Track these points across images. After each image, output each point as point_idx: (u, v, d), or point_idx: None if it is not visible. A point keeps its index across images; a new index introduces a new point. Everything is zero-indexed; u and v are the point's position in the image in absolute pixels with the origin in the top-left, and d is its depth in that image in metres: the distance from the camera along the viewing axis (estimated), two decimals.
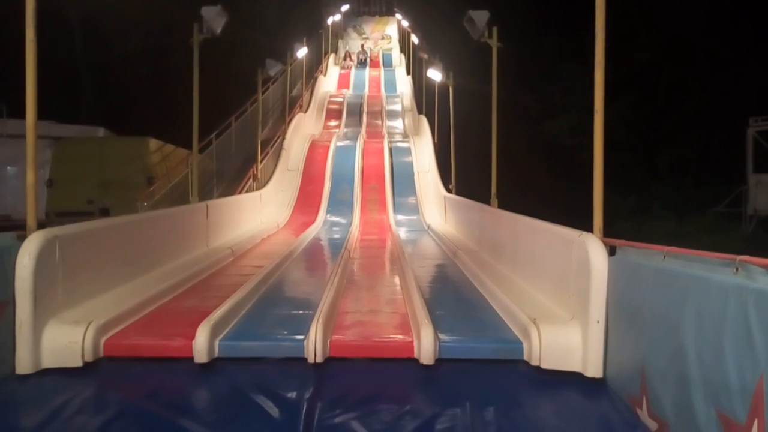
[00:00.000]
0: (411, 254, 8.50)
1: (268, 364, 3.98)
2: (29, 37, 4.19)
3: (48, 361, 3.88)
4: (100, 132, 15.81)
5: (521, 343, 4.05)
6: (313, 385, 3.76)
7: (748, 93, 22.94)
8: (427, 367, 3.90)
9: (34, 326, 3.84)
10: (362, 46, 27.44)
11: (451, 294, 5.98)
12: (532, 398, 3.73)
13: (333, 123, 19.13)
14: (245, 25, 23.22)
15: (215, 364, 3.95)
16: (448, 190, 12.73)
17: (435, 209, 13.02)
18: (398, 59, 27.04)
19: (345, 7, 30.48)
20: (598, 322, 3.80)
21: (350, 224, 11.88)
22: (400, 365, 3.97)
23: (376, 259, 8.63)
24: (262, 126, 14.73)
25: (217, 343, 4.01)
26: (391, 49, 29.10)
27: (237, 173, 14.06)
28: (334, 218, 12.54)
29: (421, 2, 28.17)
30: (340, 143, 16.08)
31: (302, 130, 16.88)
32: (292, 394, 3.68)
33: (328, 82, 23.04)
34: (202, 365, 3.89)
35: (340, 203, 13.25)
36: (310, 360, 3.91)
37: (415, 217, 12.83)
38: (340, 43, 29.20)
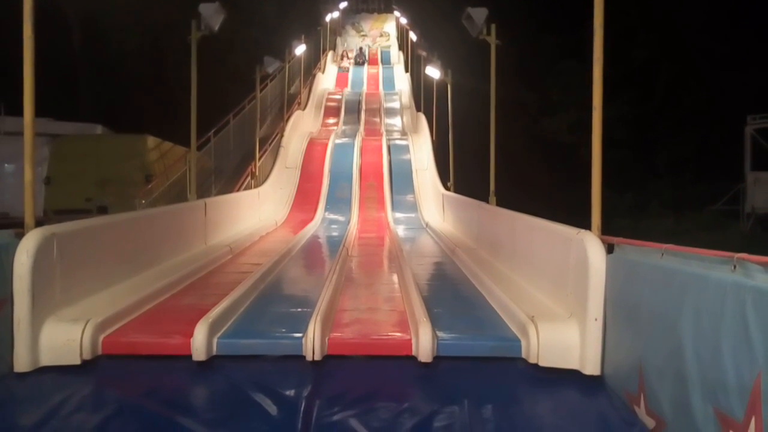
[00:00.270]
0: (409, 252, 8.51)
1: (267, 361, 3.98)
2: (27, 34, 4.18)
3: (46, 359, 3.88)
4: (98, 129, 15.77)
5: (519, 341, 4.06)
6: (312, 382, 3.76)
7: (746, 91, 22.96)
8: (425, 364, 3.90)
9: (32, 324, 3.84)
10: (360, 49, 27.32)
11: (449, 292, 5.99)
12: (530, 396, 3.74)
13: (331, 120, 19.12)
14: (243, 23, 23.17)
15: (213, 361, 3.96)
16: (447, 188, 12.74)
17: (433, 207, 13.02)
18: (397, 56, 27.02)
19: (343, 4, 30.44)
20: (596, 319, 3.81)
21: (348, 222, 11.88)
22: (399, 363, 3.98)
23: (375, 257, 8.63)
24: (261, 123, 14.72)
25: (215, 340, 4.01)
26: (389, 47, 29.08)
27: (235, 171, 14.06)
28: (333, 216, 12.54)
29: None
30: (338, 141, 16.07)
31: (300, 127, 16.87)
32: (291, 392, 3.68)
33: (326, 80, 23.04)
34: (200, 363, 3.89)
35: (339, 201, 13.25)
36: (309, 358, 3.92)
37: (413, 215, 12.83)
38: (339, 40, 29.17)
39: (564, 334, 3.93)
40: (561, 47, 27.20)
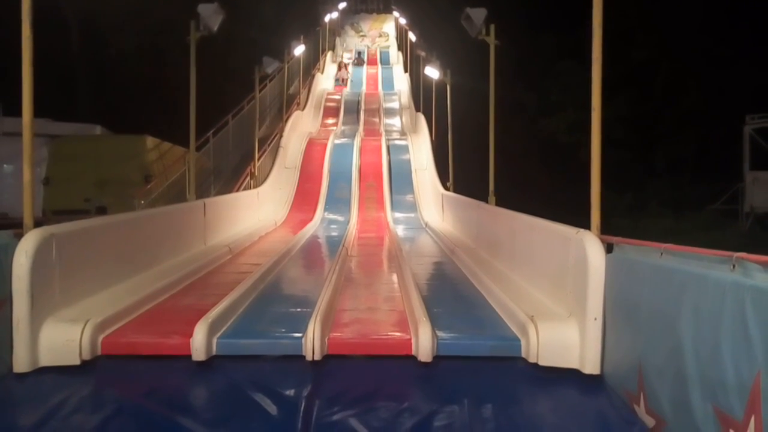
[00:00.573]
0: (409, 252, 8.51)
1: (266, 361, 3.98)
2: (25, 35, 4.18)
3: (45, 360, 3.88)
4: (97, 130, 15.74)
5: (519, 341, 4.06)
6: (311, 382, 3.76)
7: (745, 91, 22.98)
8: (425, 364, 3.90)
9: (32, 324, 3.84)
10: (359, 54, 27.26)
11: (449, 291, 5.99)
12: (529, 395, 3.74)
13: (330, 121, 19.12)
14: (242, 23, 23.16)
15: (213, 361, 3.95)
16: (446, 188, 12.74)
17: (432, 207, 13.03)
18: (396, 57, 27.02)
19: (342, 5, 30.44)
20: (595, 319, 3.81)
21: (348, 222, 11.88)
22: (398, 363, 3.98)
23: (374, 257, 8.63)
24: (260, 124, 14.71)
25: (215, 340, 4.01)
26: (388, 47, 29.09)
27: (234, 171, 14.06)
28: (332, 216, 12.54)
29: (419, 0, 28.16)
30: (337, 141, 16.07)
31: (300, 127, 16.87)
32: (290, 392, 3.68)
33: (325, 80, 23.03)
34: (200, 363, 3.89)
35: (338, 201, 13.25)
36: (308, 357, 3.92)
37: (412, 215, 12.83)
38: (338, 40, 29.16)
39: (563, 334, 3.93)
40: (560, 47, 27.21)
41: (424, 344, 3.90)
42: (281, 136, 15.27)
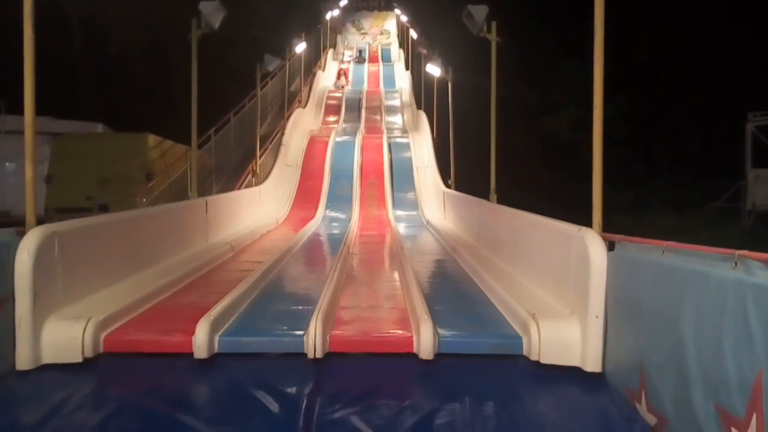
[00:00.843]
0: (410, 250, 8.51)
1: (268, 359, 3.98)
2: (27, 33, 4.18)
3: (48, 357, 3.89)
4: (99, 128, 15.78)
5: (520, 338, 4.06)
6: (313, 380, 3.76)
7: (747, 88, 22.93)
8: (426, 362, 3.90)
9: (34, 322, 3.85)
10: (360, 52, 27.20)
11: (451, 289, 5.99)
12: (531, 393, 3.74)
13: (332, 118, 19.12)
14: (244, 21, 23.14)
15: (215, 359, 3.96)
16: (447, 186, 12.73)
17: (434, 205, 13.02)
18: (397, 54, 27.00)
19: (343, 2, 30.42)
20: (597, 317, 3.81)
21: (349, 220, 11.88)
22: (400, 360, 3.98)
23: (376, 255, 8.63)
24: (261, 121, 14.72)
25: (216, 338, 4.02)
26: (389, 44, 29.07)
27: (236, 169, 14.06)
28: (334, 214, 12.54)
29: None
30: (339, 139, 16.06)
31: (301, 125, 16.86)
32: (292, 390, 3.69)
33: (326, 78, 23.02)
34: (201, 361, 3.90)
35: (339, 199, 13.25)
36: (310, 355, 3.92)
37: (414, 213, 12.83)
38: (339, 38, 29.14)
39: (565, 332, 3.93)
40: (562, 45, 27.16)
41: (425, 342, 3.90)
42: (283, 134, 15.27)
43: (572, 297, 4.14)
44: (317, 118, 18.90)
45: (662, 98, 27.04)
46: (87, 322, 3.93)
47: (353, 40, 29.49)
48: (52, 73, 15.47)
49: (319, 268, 7.72)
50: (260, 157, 13.64)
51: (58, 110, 15.21)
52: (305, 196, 13.36)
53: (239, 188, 12.45)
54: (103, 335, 4.01)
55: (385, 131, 16.97)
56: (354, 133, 16.56)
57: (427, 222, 11.69)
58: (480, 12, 8.65)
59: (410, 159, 15.06)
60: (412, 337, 4.07)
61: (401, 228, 11.13)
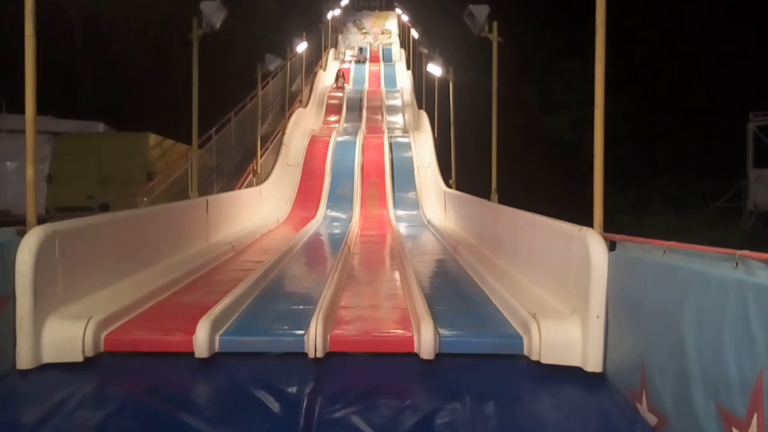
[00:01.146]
0: (411, 249, 8.50)
1: (269, 359, 3.98)
2: (28, 32, 4.18)
3: (48, 356, 3.89)
4: (100, 127, 15.79)
5: (521, 338, 4.05)
6: (314, 380, 3.76)
7: (749, 88, 22.92)
8: (427, 361, 3.90)
9: (35, 321, 3.85)
10: (361, 50, 27.17)
11: (451, 289, 5.99)
12: (532, 393, 3.74)
13: (333, 118, 19.11)
14: (245, 20, 23.16)
15: (215, 359, 3.96)
16: (448, 185, 12.73)
17: (435, 204, 13.02)
18: (398, 54, 27.00)
19: (345, 2, 30.42)
20: (598, 316, 3.81)
21: (350, 219, 11.88)
22: (401, 360, 3.98)
23: (376, 255, 8.63)
24: (262, 121, 14.72)
25: (217, 338, 4.02)
26: (391, 44, 29.07)
27: (237, 168, 14.06)
28: (334, 213, 12.54)
29: None
30: (340, 138, 16.06)
31: (302, 125, 16.86)
32: (293, 389, 3.69)
33: (327, 77, 23.02)
34: (202, 360, 3.90)
35: (340, 198, 13.25)
36: (311, 355, 3.92)
37: (415, 213, 12.83)
38: (340, 37, 29.15)
39: (566, 332, 3.93)
40: (563, 44, 27.17)
41: (426, 342, 3.90)
42: (284, 134, 15.27)
43: (573, 297, 4.14)
44: (318, 118, 18.90)
45: (663, 98, 27.02)
46: (88, 322, 3.93)
47: (354, 39, 29.49)
48: (53, 73, 15.47)
49: (319, 268, 7.72)
50: (261, 156, 13.64)
51: (59, 109, 15.23)
52: (306, 196, 13.36)
53: (240, 188, 12.45)
54: (103, 334, 4.01)
55: (386, 131, 16.96)
56: (355, 133, 16.56)
57: (428, 222, 11.68)
58: (481, 12, 8.65)
59: (411, 159, 15.05)
60: (412, 336, 4.07)
61: (402, 228, 11.13)
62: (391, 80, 23.39)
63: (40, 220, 4.19)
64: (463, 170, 13.06)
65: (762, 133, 19.60)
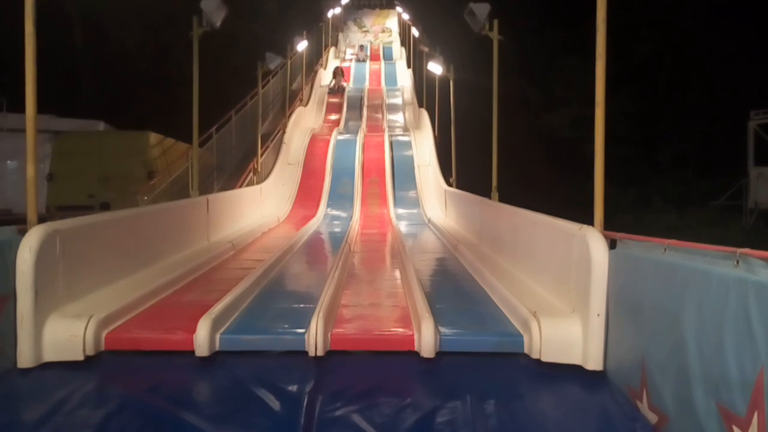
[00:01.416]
0: (411, 248, 8.50)
1: (269, 357, 3.99)
2: (28, 31, 4.18)
3: (49, 355, 3.89)
4: (100, 126, 15.78)
5: (522, 336, 4.06)
6: (314, 378, 3.76)
7: (750, 86, 22.90)
8: (427, 360, 3.90)
9: (35, 320, 3.85)
10: (361, 47, 27.13)
11: (452, 287, 5.98)
12: (532, 391, 3.74)
13: (333, 117, 19.09)
14: (245, 19, 23.14)
15: (216, 357, 3.96)
16: (449, 184, 12.72)
17: (435, 203, 13.02)
18: (399, 52, 26.96)
19: (345, 0, 30.38)
20: (598, 315, 3.81)
21: (351, 218, 11.88)
22: (401, 358, 3.98)
23: (377, 253, 8.63)
24: (263, 120, 14.71)
25: (218, 336, 4.02)
26: (391, 43, 29.02)
27: (237, 167, 14.06)
28: (335, 212, 12.54)
29: None
30: (340, 137, 16.05)
31: (302, 123, 16.85)
32: (293, 388, 3.69)
33: (328, 76, 22.99)
34: (203, 359, 3.90)
35: (341, 197, 13.24)
36: (311, 353, 3.92)
37: (415, 211, 12.82)
38: (341, 36, 29.12)
39: (566, 330, 3.93)
40: (563, 43, 27.14)
41: (426, 340, 3.90)
42: (284, 132, 15.26)
43: (573, 295, 4.14)
44: (319, 117, 18.89)
45: (664, 96, 27.01)
46: (88, 320, 3.93)
47: (355, 38, 29.44)
48: (53, 71, 15.49)
49: (320, 266, 7.72)
50: (261, 155, 13.64)
51: (60, 108, 15.23)
52: (306, 195, 13.36)
53: (240, 186, 12.46)
54: (104, 333, 4.01)
55: (386, 129, 16.95)
56: (355, 132, 16.55)
57: (429, 220, 11.68)
58: (482, 10, 8.64)
59: (412, 157, 15.04)
60: (413, 335, 4.07)
61: (402, 226, 11.13)
62: (391, 78, 23.36)
63: (41, 219, 4.19)
64: (464, 168, 13.05)
65: (763, 131, 19.58)
